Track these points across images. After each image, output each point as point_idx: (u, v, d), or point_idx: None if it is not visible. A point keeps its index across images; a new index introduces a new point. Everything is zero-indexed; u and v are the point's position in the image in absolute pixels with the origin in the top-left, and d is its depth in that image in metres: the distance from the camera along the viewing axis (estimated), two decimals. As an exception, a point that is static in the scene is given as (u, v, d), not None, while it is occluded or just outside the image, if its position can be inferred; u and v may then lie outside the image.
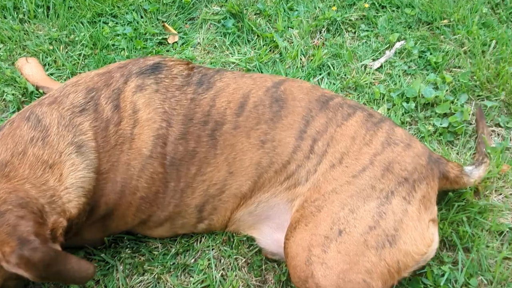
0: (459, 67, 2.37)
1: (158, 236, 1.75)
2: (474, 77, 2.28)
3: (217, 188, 1.62)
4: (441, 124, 2.10)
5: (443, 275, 1.63)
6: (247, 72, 2.23)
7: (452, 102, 2.18)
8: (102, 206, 1.57)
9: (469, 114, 2.15)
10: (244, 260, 1.72)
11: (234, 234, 1.73)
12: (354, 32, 2.56)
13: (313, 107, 1.63)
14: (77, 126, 1.50)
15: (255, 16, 2.61)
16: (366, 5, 2.65)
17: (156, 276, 1.67)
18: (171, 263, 1.70)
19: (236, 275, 1.68)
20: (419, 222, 1.47)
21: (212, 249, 1.73)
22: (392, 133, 1.60)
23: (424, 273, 1.64)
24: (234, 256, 1.72)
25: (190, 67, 1.71)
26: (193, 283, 1.65)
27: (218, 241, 1.75)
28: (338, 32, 2.55)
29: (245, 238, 1.73)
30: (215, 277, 1.66)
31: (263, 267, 1.70)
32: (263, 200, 1.62)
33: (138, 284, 1.66)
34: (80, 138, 1.49)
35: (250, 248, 1.73)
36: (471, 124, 2.14)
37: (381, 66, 2.38)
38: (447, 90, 2.23)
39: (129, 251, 1.74)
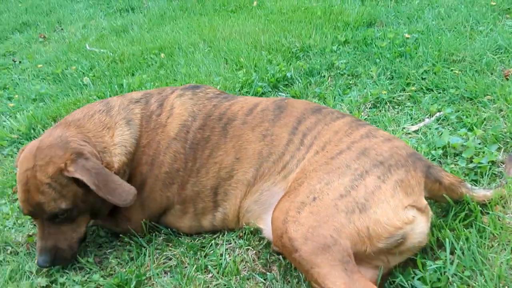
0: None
1: (187, 229, 2.06)
2: (506, 130, 2.37)
3: (227, 171, 1.97)
4: (466, 165, 2.20)
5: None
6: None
7: (481, 149, 2.28)
8: (138, 175, 2.01)
9: (496, 157, 2.21)
10: (254, 251, 1.92)
11: (246, 227, 1.97)
12: (399, 108, 2.86)
13: (307, 112, 1.98)
14: (131, 109, 2.13)
15: (313, 98, 3.09)
16: (413, 89, 2.98)
17: (179, 259, 1.95)
18: (193, 252, 1.97)
19: (245, 262, 1.88)
20: (392, 198, 1.59)
21: (229, 242, 1.98)
22: (375, 130, 1.83)
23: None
24: (246, 247, 1.93)
25: (222, 92, 2.23)
26: (207, 263, 1.89)
27: (234, 236, 2.00)
28: (384, 107, 2.87)
29: (255, 232, 1.96)
30: (227, 261, 1.88)
31: (269, 258, 1.88)
32: (265, 188, 1.90)
33: (164, 264, 1.95)
34: (130, 117, 2.09)
35: (260, 242, 1.94)
36: (498, 167, 2.19)
37: (418, 129, 2.60)
38: (475, 140, 2.34)
39: (161, 239, 2.06)
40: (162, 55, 4.19)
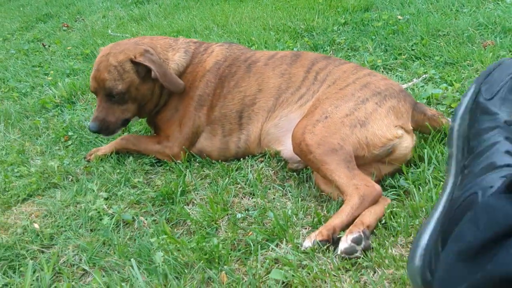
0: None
1: (216, 152, 2.56)
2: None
3: (250, 99, 2.47)
4: (446, 110, 2.67)
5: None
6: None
7: (458, 99, 2.76)
8: (176, 96, 2.64)
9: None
10: (273, 171, 2.40)
11: (266, 150, 2.45)
12: (392, 73, 3.34)
13: (319, 57, 2.49)
14: (189, 45, 2.75)
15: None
16: (404, 57, 3.46)
17: (213, 177, 2.42)
18: (224, 172, 2.44)
19: (266, 177, 2.35)
20: (385, 118, 2.08)
21: (252, 166, 2.46)
22: (374, 72, 2.34)
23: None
24: (266, 168, 2.41)
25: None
26: (237, 177, 2.36)
27: (256, 160, 2.48)
28: (379, 72, 3.35)
29: (274, 156, 2.43)
30: (250, 176, 2.35)
31: (285, 175, 2.36)
32: (283, 114, 2.38)
33: (201, 183, 2.41)
34: (188, 49, 2.71)
35: (278, 164, 2.42)
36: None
37: (407, 88, 3.08)
38: (454, 92, 2.82)
39: (197, 165, 2.54)
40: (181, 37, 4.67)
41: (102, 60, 2.51)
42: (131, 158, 2.67)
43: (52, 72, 4.31)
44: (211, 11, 5.36)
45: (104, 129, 2.56)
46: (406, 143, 2.11)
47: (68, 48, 4.92)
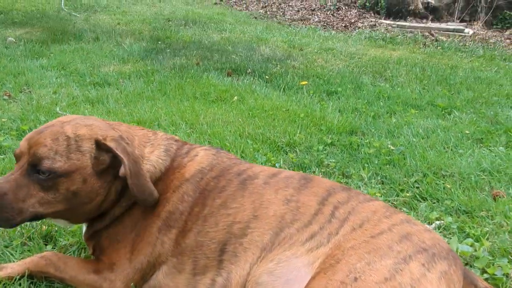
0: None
1: None
2: (513, 245, 2.31)
3: (240, 227, 1.75)
4: (481, 275, 2.07)
5: None
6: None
7: (490, 260, 2.18)
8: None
9: (510, 270, 2.11)
10: None
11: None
12: (396, 212, 2.76)
13: (336, 187, 1.87)
14: (170, 144, 2.07)
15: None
16: (408, 195, 2.92)
17: None
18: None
19: None
20: None
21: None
22: (412, 219, 1.72)
23: None
24: (249, 338, 1.63)
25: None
26: None
27: (235, 323, 1.69)
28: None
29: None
30: None
31: None
32: (283, 258, 1.67)
33: None
34: (169, 148, 2.04)
35: (267, 333, 1.65)
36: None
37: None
38: (485, 251, 2.25)
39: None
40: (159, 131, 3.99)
41: (54, 125, 1.83)
42: (48, 290, 1.82)
43: (-27, 145, 3.45)
44: (179, 106, 4.78)
45: (2, 211, 1.70)
46: None
47: (3, 120, 4.11)
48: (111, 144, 1.80)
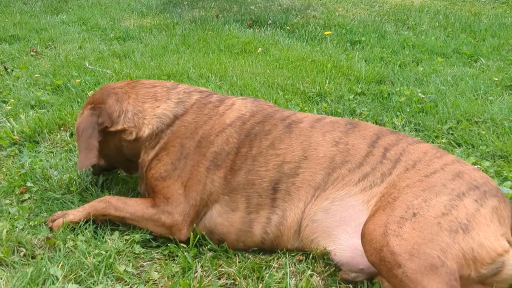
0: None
1: (234, 235, 1.87)
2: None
3: (291, 167, 1.83)
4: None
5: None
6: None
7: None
8: (177, 146, 1.98)
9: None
10: (319, 278, 1.73)
11: (309, 247, 1.79)
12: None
13: (383, 130, 1.93)
14: (190, 94, 2.15)
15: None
16: (444, 141, 2.97)
17: (233, 280, 1.72)
18: (251, 271, 1.75)
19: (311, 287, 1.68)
20: (492, 223, 1.52)
21: (288, 266, 1.78)
22: (460, 159, 1.78)
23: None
24: (309, 272, 1.74)
25: None
26: (271, 283, 1.67)
27: (294, 259, 1.80)
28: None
29: (321, 255, 1.77)
30: (290, 283, 1.67)
31: (338, 287, 1.70)
32: (337, 197, 1.76)
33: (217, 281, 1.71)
34: (185, 99, 2.13)
35: (326, 268, 1.76)
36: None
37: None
38: (525, 193, 2.31)
39: (209, 255, 1.83)
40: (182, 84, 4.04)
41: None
42: (116, 233, 1.93)
43: (12, 100, 3.53)
44: (205, 59, 4.79)
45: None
46: None
47: (36, 75, 4.17)
48: (81, 112, 2.17)
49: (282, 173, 1.85)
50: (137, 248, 1.85)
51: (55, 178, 2.39)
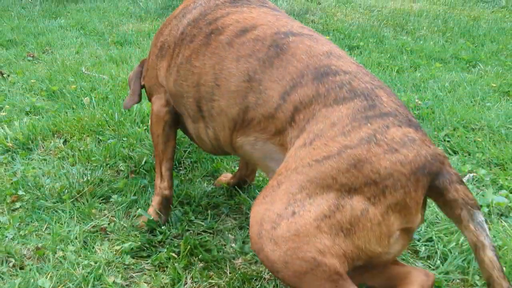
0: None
1: (197, 139, 1.95)
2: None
3: (207, 91, 1.72)
4: (517, 225, 2.13)
5: None
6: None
7: (529, 212, 2.23)
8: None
9: (546, 220, 2.16)
10: None
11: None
12: (428, 165, 2.80)
13: (307, 74, 1.51)
14: None
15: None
16: (440, 148, 2.95)
17: (222, 290, 1.70)
18: (238, 284, 1.73)
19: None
20: (379, 226, 1.37)
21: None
22: (381, 132, 1.37)
23: None
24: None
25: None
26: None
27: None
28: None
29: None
30: (280, 296, 1.66)
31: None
32: (260, 138, 1.62)
33: (204, 295, 1.69)
34: None
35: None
36: (549, 230, 2.13)
37: (454, 187, 2.54)
38: (521, 202, 2.30)
39: (201, 265, 1.81)
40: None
41: None
42: (106, 243, 1.92)
43: (7, 106, 3.51)
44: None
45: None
46: (399, 245, 1.45)
47: (32, 81, 4.15)
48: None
49: (200, 94, 1.74)
50: (127, 259, 1.83)
51: (47, 186, 2.37)
